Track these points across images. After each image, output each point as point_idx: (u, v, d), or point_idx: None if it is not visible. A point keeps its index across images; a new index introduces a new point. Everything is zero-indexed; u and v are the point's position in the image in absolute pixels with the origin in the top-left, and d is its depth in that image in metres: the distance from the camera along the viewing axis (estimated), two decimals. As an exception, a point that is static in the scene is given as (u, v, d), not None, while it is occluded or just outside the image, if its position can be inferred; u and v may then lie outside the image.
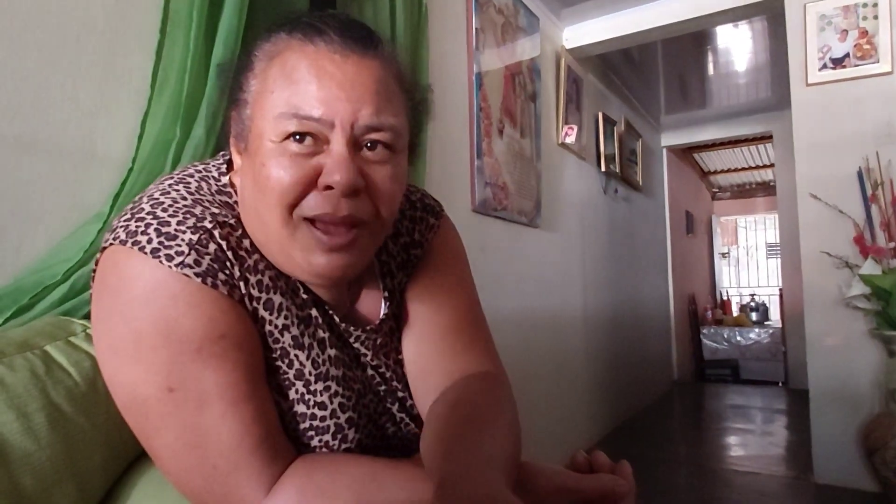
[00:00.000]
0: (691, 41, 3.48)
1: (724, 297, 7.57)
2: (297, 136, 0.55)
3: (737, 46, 3.61)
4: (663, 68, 3.96)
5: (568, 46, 3.07)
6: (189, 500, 0.58)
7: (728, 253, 8.52)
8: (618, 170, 3.76)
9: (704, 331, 6.41)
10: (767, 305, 7.04)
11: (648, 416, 4.06)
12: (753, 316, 6.77)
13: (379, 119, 0.57)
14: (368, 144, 0.58)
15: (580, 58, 3.20)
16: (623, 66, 3.77)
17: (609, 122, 3.65)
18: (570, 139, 2.96)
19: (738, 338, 6.31)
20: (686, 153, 6.17)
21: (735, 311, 7.21)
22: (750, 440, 3.53)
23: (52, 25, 0.91)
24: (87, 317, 0.80)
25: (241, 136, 0.61)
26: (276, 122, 0.55)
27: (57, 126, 0.90)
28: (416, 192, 0.79)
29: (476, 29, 2.17)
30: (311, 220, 0.57)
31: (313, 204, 0.56)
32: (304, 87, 0.55)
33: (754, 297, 7.25)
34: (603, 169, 3.54)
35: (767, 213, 8.10)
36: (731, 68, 3.97)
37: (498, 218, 2.31)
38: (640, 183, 4.36)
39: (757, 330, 6.34)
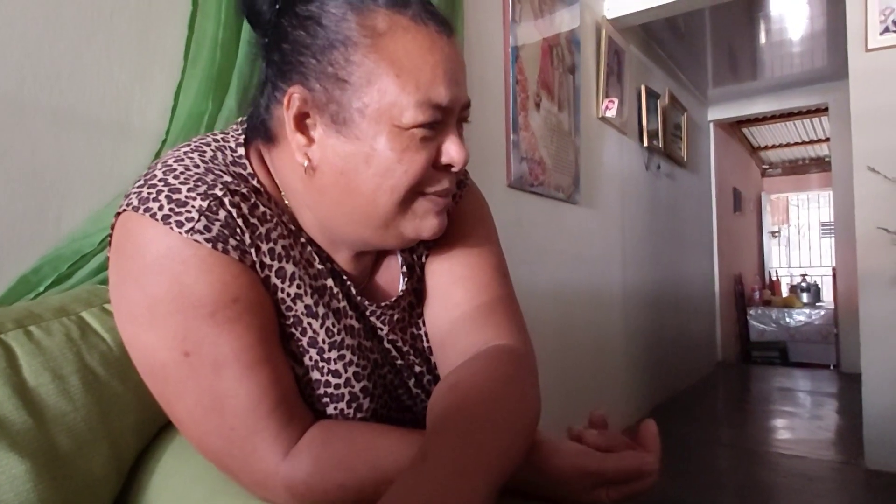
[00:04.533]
0: (742, 8, 3.31)
1: (774, 278, 7.32)
2: (429, 125, 0.57)
3: (791, 13, 3.43)
4: (711, 38, 3.79)
5: (609, 17, 2.96)
6: (211, 462, 0.59)
7: (778, 232, 8.22)
8: (661, 145, 3.65)
9: (751, 311, 6.22)
10: (819, 286, 6.77)
11: (690, 397, 3.98)
12: (804, 297, 6.53)
13: (468, 97, 0.62)
14: (459, 121, 0.62)
15: (622, 28, 3.09)
16: (668, 36, 3.63)
17: (652, 96, 3.53)
18: (611, 113, 2.88)
19: (788, 319, 6.10)
20: (734, 128, 5.94)
21: (785, 292, 6.97)
22: (798, 424, 3.42)
23: (86, 1, 0.92)
24: (123, 285, 0.82)
25: (331, 114, 0.57)
26: (406, 109, 0.55)
27: (93, 100, 0.92)
28: None
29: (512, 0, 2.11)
30: (430, 193, 0.61)
31: (434, 182, 0.60)
32: (430, 72, 0.56)
33: (806, 277, 6.98)
34: (645, 144, 3.44)
35: (821, 190, 7.76)
36: (784, 36, 3.78)
37: (534, 193, 2.27)
38: (685, 159, 4.22)
39: (807, 311, 6.12)
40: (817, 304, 6.45)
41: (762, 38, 3.84)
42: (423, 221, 0.61)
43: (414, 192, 0.59)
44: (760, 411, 3.79)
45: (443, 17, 0.60)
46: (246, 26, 1.02)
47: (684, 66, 4.17)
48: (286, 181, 0.63)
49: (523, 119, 2.18)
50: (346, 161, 0.58)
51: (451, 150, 0.59)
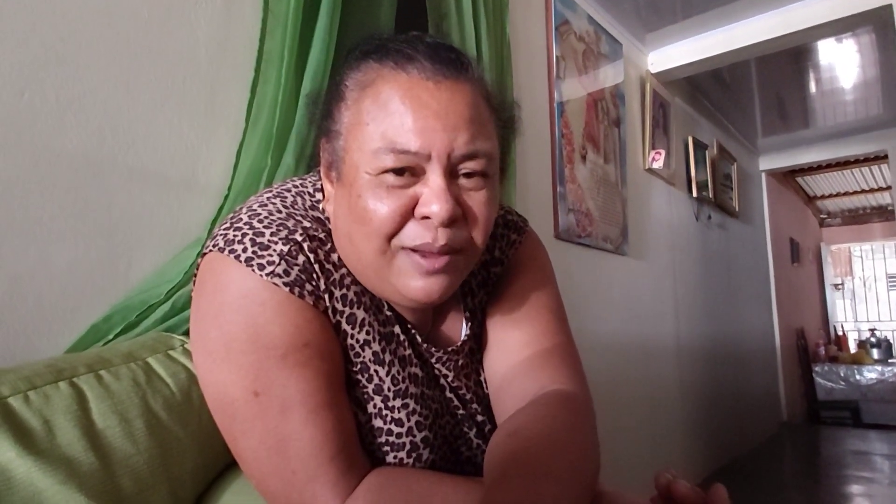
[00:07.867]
0: (788, 58, 3.29)
1: (839, 332, 6.93)
2: (395, 171, 0.55)
3: (841, 61, 3.38)
4: (758, 88, 3.75)
5: (653, 71, 3.00)
6: (268, 503, 0.59)
7: (842, 284, 7.83)
8: (711, 195, 3.59)
9: (817, 368, 5.87)
10: (891, 341, 6.36)
11: (755, 459, 3.74)
12: (875, 353, 6.12)
13: (474, 146, 0.57)
14: (464, 173, 0.58)
15: (666, 81, 3.11)
16: (713, 88, 3.62)
17: (700, 147, 3.50)
18: (658, 164, 2.86)
19: (858, 376, 5.72)
20: (788, 177, 5.79)
21: (853, 348, 6.57)
22: (876, 490, 3.16)
23: (162, 70, 1.00)
24: (187, 333, 0.85)
25: (333, 166, 0.61)
26: (373, 155, 0.56)
27: (164, 158, 0.99)
28: (500, 209, 0.77)
29: (557, 57, 2.17)
30: (409, 248, 0.57)
31: (412, 234, 0.57)
32: (399, 118, 0.55)
33: (875, 332, 6.58)
34: (694, 195, 3.39)
35: (886, 240, 7.41)
36: (835, 84, 3.71)
37: (582, 245, 2.26)
38: (737, 209, 4.13)
39: (879, 368, 5.72)
40: (889, 360, 6.04)
41: (812, 87, 3.78)
42: (409, 281, 0.58)
43: (393, 244, 0.57)
44: (833, 476, 3.52)
45: (454, 59, 0.58)
46: (304, 88, 1.09)
47: (732, 116, 4.13)
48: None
49: (569, 171, 2.19)
50: (339, 208, 0.60)
51: (428, 200, 0.55)
